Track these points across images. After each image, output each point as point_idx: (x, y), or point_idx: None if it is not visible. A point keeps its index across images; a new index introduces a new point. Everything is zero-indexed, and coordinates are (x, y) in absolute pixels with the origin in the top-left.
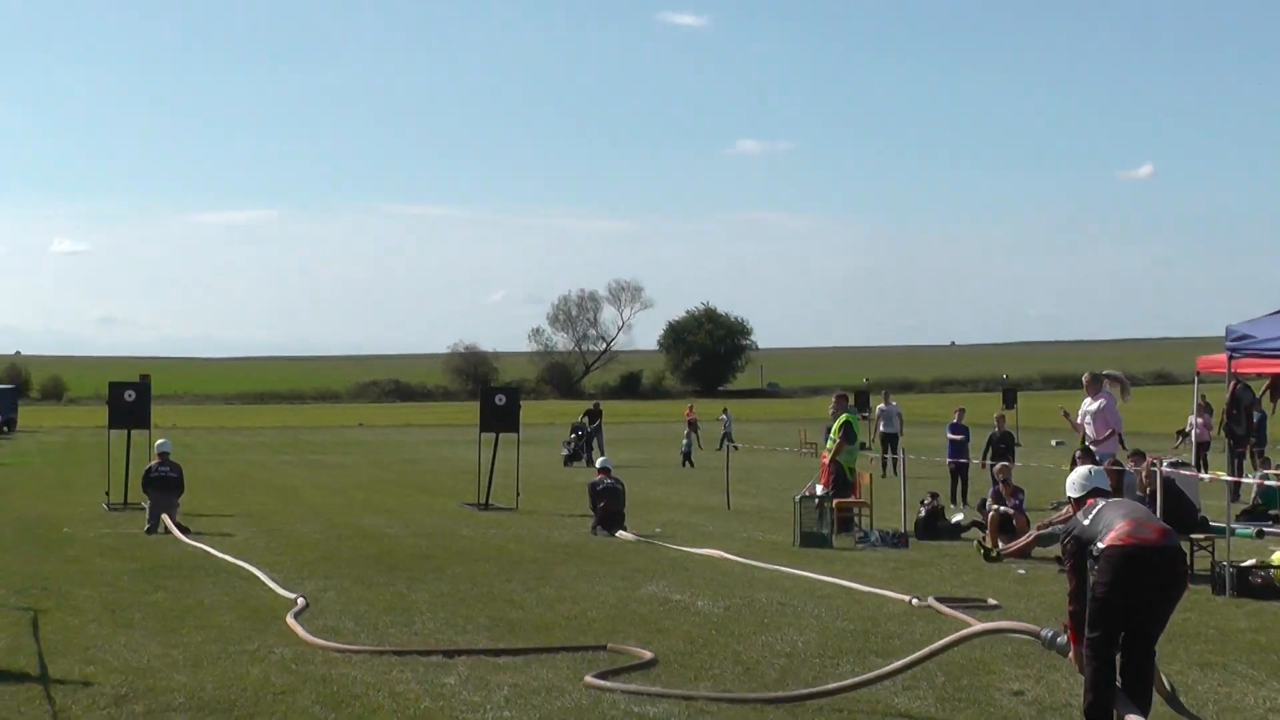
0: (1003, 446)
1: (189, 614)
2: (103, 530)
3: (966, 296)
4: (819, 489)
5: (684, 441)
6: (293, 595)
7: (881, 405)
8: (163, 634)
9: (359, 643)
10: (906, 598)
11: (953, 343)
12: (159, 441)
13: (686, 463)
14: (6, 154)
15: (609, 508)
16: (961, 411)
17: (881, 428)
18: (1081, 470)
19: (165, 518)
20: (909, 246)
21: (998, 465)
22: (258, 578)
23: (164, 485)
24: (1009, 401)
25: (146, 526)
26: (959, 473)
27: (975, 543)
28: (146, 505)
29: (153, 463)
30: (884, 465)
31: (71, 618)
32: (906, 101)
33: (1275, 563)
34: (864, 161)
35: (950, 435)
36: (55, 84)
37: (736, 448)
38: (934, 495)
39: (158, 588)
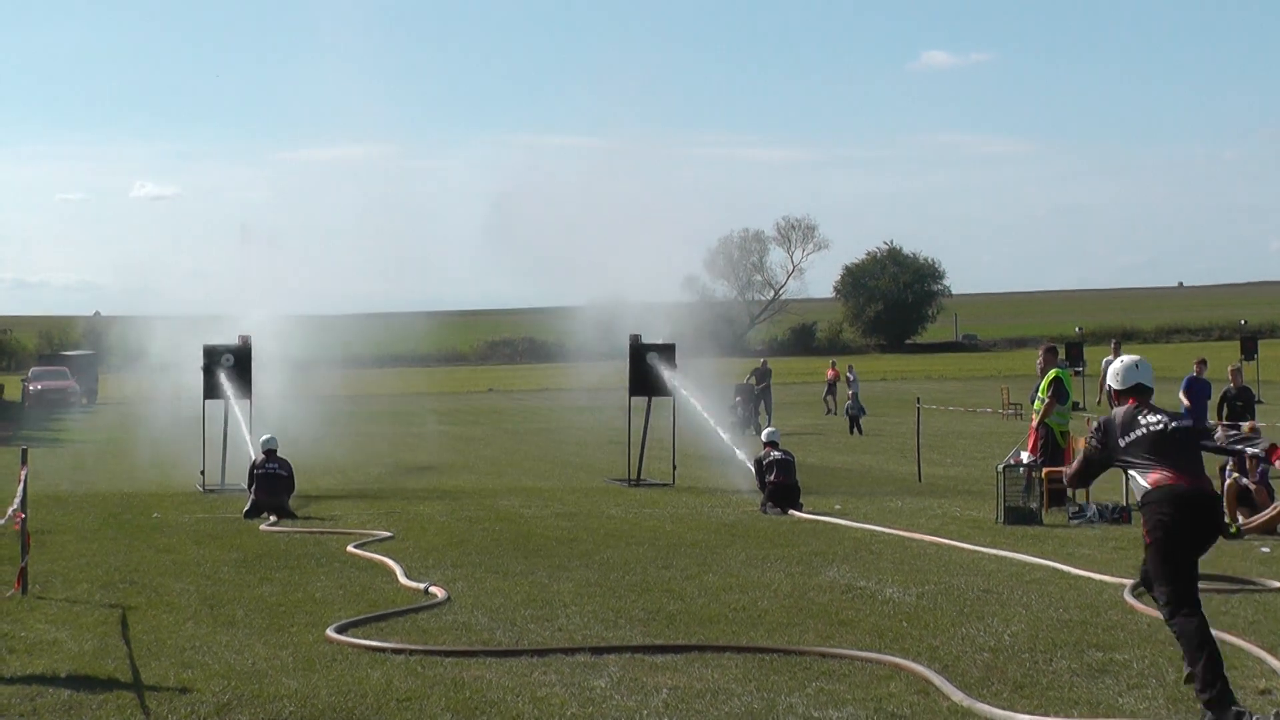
0: (1239, 404)
1: (299, 609)
2: (198, 515)
3: (1196, 229)
4: (1026, 457)
5: (848, 404)
6: (421, 585)
7: (1109, 358)
8: (269, 633)
9: (495, 641)
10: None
11: (1180, 284)
12: (265, 437)
13: (855, 429)
14: (79, 85)
15: (781, 481)
16: (1202, 364)
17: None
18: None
19: (274, 519)
20: (1128, 172)
21: (1244, 427)
22: (378, 567)
23: (272, 484)
24: (1248, 351)
25: (246, 509)
26: None
27: None
28: (250, 499)
29: (258, 459)
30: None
31: (165, 615)
32: (1124, 3)
33: None
34: (1073, 74)
35: (1183, 396)
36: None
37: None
38: None
39: (263, 580)
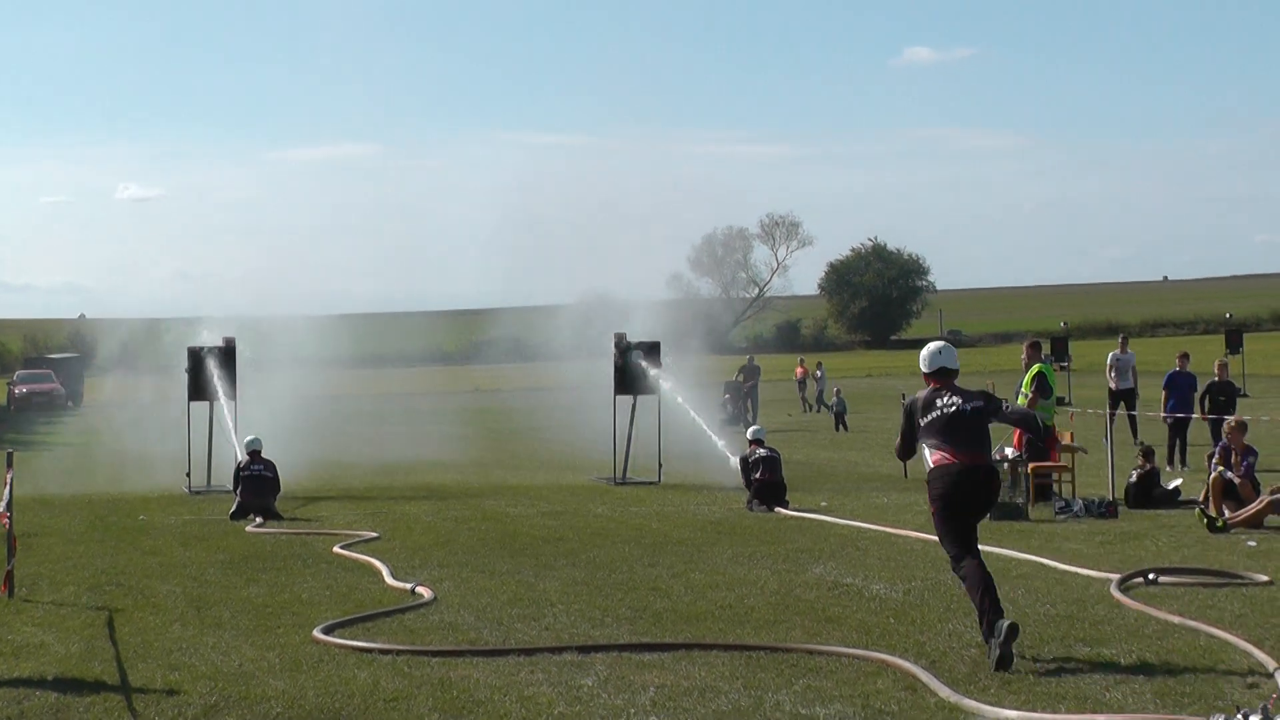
0: (1222, 399)
1: (286, 610)
2: (185, 516)
3: (1181, 223)
4: (1011, 452)
5: (833, 401)
6: (407, 585)
7: (1116, 353)
8: (256, 634)
9: (482, 640)
10: (1146, 576)
11: (1165, 278)
12: (248, 439)
13: (840, 426)
14: (64, 86)
15: (766, 478)
16: (1185, 358)
17: (1114, 382)
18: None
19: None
20: (1113, 166)
21: (1231, 421)
22: (365, 567)
23: (258, 485)
24: (1233, 345)
25: (232, 510)
26: (1178, 430)
27: (1197, 511)
28: (236, 501)
29: (242, 460)
30: (1108, 426)
31: (152, 617)
32: None
33: None
34: (1056, 68)
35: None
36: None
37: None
38: (1147, 453)
39: (249, 581)
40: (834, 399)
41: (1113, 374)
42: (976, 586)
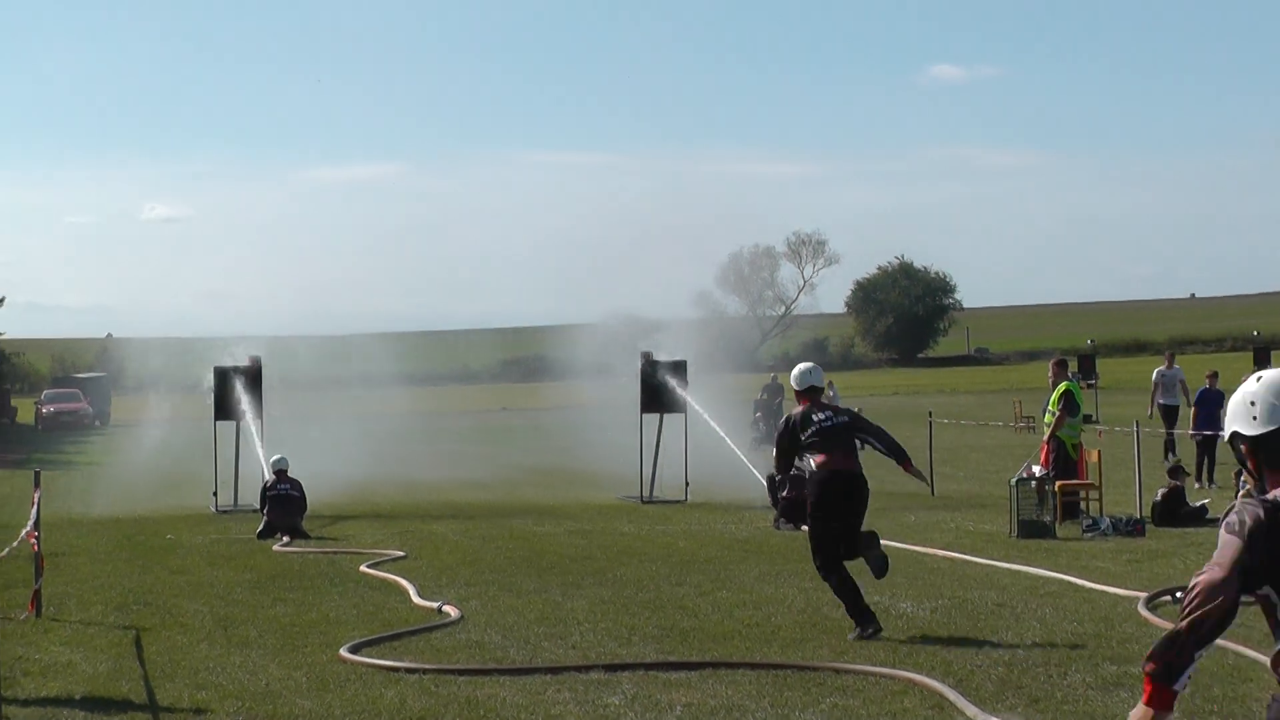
0: None
1: (313, 629)
2: (212, 536)
3: (1208, 240)
4: (1038, 470)
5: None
6: (434, 604)
7: (1162, 368)
8: (283, 653)
9: (509, 659)
10: (1173, 594)
11: (1193, 295)
12: (275, 458)
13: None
14: (90, 107)
15: (794, 496)
16: (1214, 376)
17: (1160, 398)
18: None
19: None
20: (1139, 183)
21: None
22: (392, 586)
23: (285, 505)
24: (1261, 362)
25: (259, 529)
26: (1206, 447)
27: None
28: (263, 520)
29: (269, 480)
30: (1167, 450)
31: (179, 636)
32: (1132, 13)
33: None
34: (1082, 86)
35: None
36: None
37: None
38: (1175, 471)
39: (276, 600)
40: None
41: (1158, 391)
42: (846, 594)
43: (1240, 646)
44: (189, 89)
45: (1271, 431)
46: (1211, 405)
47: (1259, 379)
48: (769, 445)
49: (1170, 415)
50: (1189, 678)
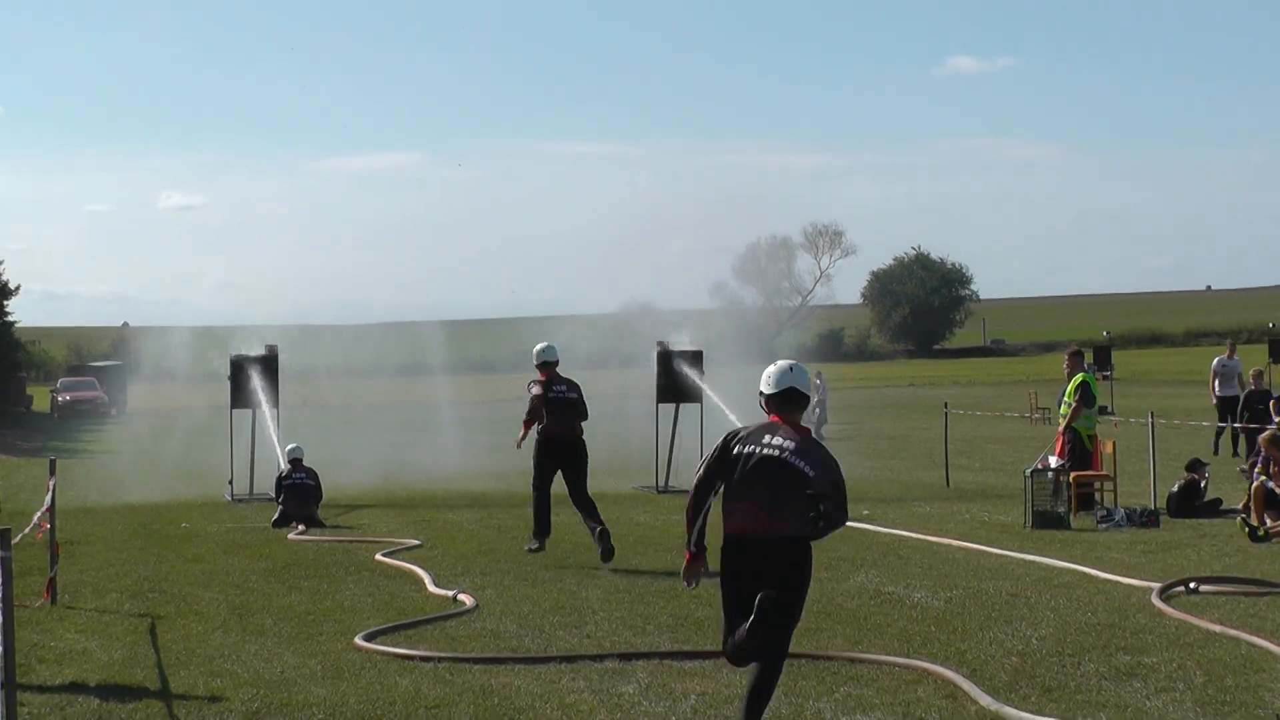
0: (1260, 408)
1: (328, 618)
2: (227, 524)
3: (1224, 232)
4: (1053, 461)
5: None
6: (450, 593)
7: (1222, 358)
8: (298, 641)
9: (524, 647)
10: (1187, 584)
11: (1209, 287)
12: (290, 447)
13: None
14: (106, 95)
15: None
16: (1259, 375)
17: (1220, 389)
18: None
19: (302, 529)
20: (1155, 175)
21: (1264, 436)
22: (407, 575)
23: (300, 494)
24: (1276, 354)
25: (274, 518)
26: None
27: (1239, 520)
28: (278, 509)
29: (284, 469)
30: (1218, 441)
31: (194, 624)
32: (1149, 4)
33: None
34: (1099, 78)
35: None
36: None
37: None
38: (1194, 465)
39: (292, 589)
40: (817, 411)
41: (1217, 381)
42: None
43: (1253, 637)
44: (204, 78)
45: None
46: (1254, 402)
47: None
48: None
49: (1229, 407)
50: None
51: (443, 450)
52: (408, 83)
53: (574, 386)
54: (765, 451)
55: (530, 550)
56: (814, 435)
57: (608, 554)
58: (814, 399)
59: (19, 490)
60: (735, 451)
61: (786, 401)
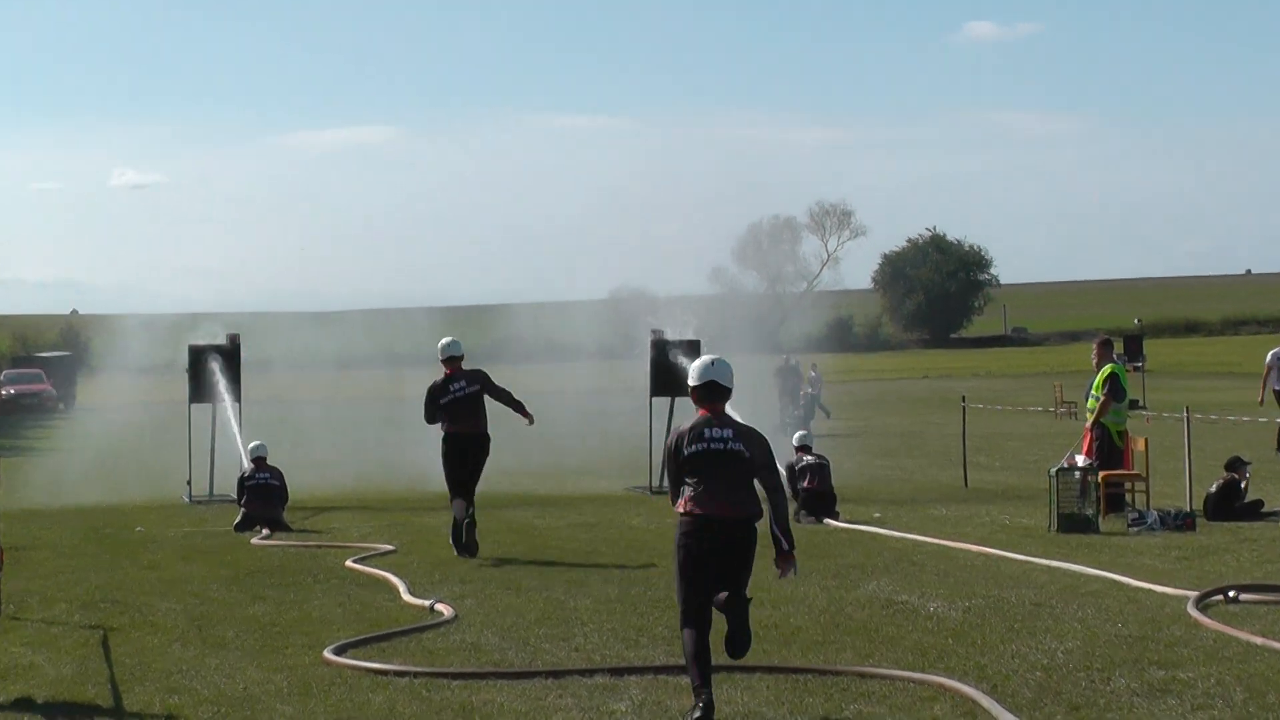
0: None
1: (295, 630)
2: (185, 528)
3: (1265, 213)
4: (1080, 459)
5: (800, 403)
6: (426, 602)
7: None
8: (263, 655)
9: (507, 661)
10: (1226, 593)
11: (1249, 271)
12: (253, 445)
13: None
14: (54, 64)
15: (815, 487)
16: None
17: (1275, 383)
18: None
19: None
20: (1190, 152)
21: None
22: (380, 583)
23: (264, 495)
24: None
25: (236, 521)
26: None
27: None
28: (240, 511)
29: (246, 469)
30: (1185, 431)
31: (150, 637)
32: None
33: None
34: (1129, 46)
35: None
36: None
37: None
38: (1234, 464)
39: (255, 598)
40: (803, 402)
41: (1272, 375)
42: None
43: None
44: (161, 43)
45: None
46: None
47: None
48: (791, 428)
49: None
50: None
51: (417, 446)
52: (382, 49)
53: (475, 378)
54: (712, 446)
55: (456, 531)
56: (807, 429)
57: (470, 548)
58: (806, 391)
59: None
60: (685, 453)
61: (710, 393)
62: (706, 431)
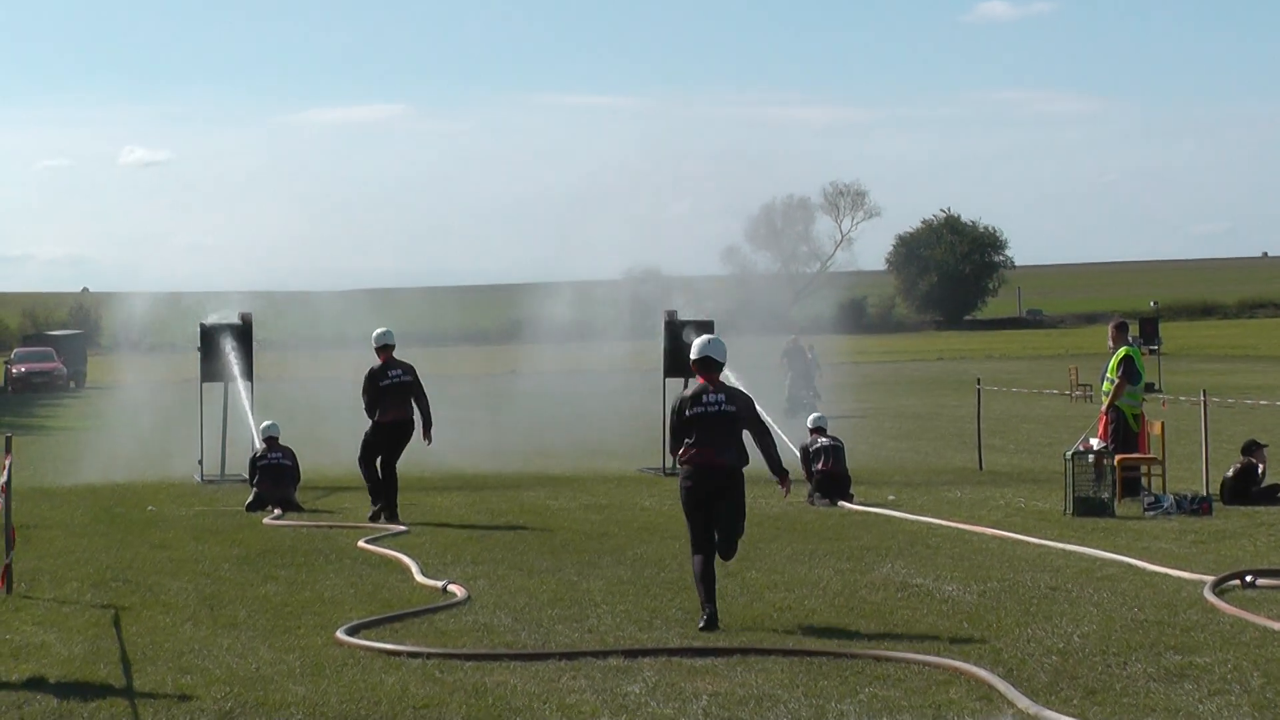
0: None
1: (307, 610)
2: (196, 508)
3: None
4: (1096, 443)
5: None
6: (438, 583)
7: None
8: (274, 635)
9: (519, 643)
10: (1243, 578)
11: (1265, 254)
12: (265, 425)
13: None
14: (63, 41)
15: (829, 469)
16: None
17: None
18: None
19: (278, 513)
20: (1206, 132)
21: None
22: (392, 564)
23: (276, 475)
24: None
25: (248, 501)
26: None
27: None
28: (252, 491)
29: (259, 449)
30: (1203, 415)
31: (162, 616)
32: None
33: None
34: (1144, 24)
35: None
36: None
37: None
38: (1251, 448)
39: (267, 578)
40: (797, 380)
41: None
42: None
43: None
44: (170, 22)
45: None
46: None
47: None
48: (801, 412)
49: None
50: None
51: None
52: (389, 27)
53: (409, 370)
54: (709, 410)
55: (372, 517)
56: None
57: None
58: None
59: None
60: (687, 414)
61: (706, 366)
62: (704, 397)
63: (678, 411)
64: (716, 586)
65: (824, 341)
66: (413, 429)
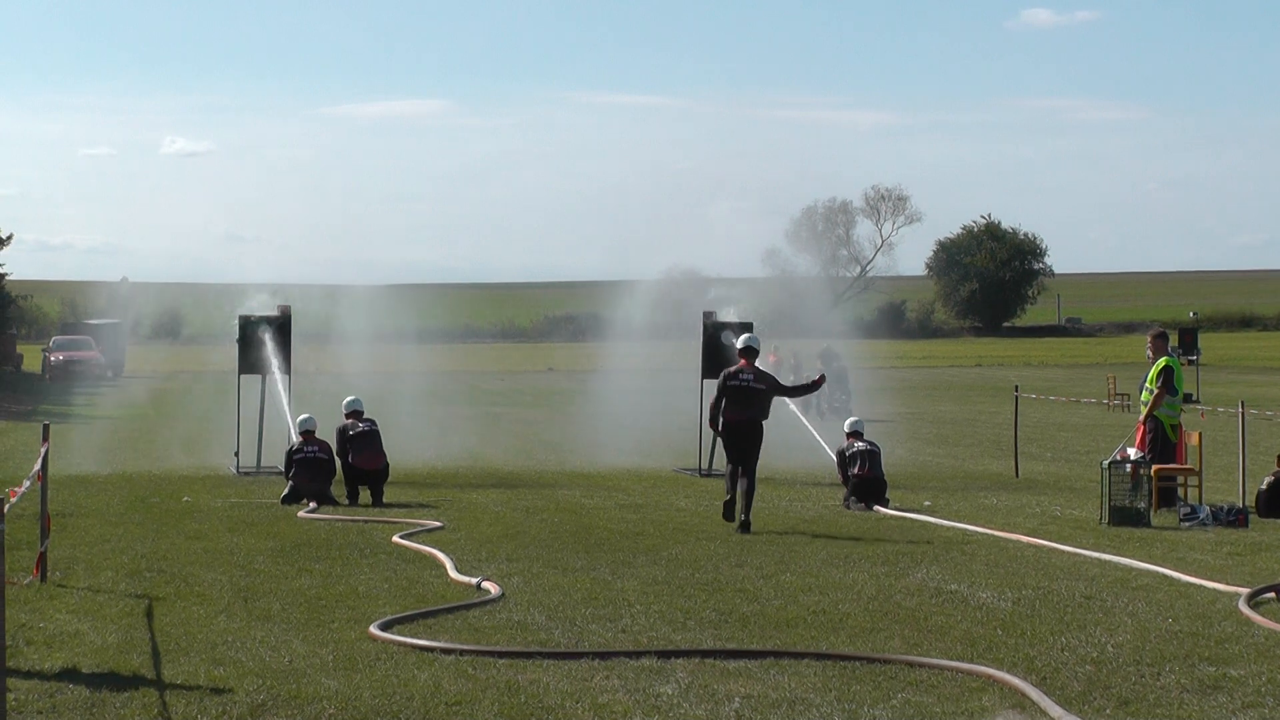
0: None
1: (340, 604)
2: (232, 499)
3: None
4: (1133, 452)
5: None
6: (473, 580)
7: None
8: (308, 628)
9: (553, 641)
10: (1278, 591)
11: None
12: (303, 418)
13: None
14: (106, 28)
15: (865, 474)
16: None
17: None
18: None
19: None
20: (1248, 142)
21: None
22: (427, 559)
23: (312, 469)
24: None
25: (284, 494)
26: None
27: None
28: (288, 484)
29: (295, 442)
30: (1240, 426)
31: (195, 607)
32: None
33: None
34: (1187, 33)
35: None
36: None
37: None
38: None
39: (301, 571)
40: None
41: None
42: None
43: None
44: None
45: None
46: None
47: None
48: (836, 417)
49: None
50: None
51: (465, 423)
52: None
53: (372, 424)
54: (743, 383)
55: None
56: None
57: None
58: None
59: (7, 457)
60: (730, 385)
61: (747, 353)
62: (741, 375)
63: (724, 381)
64: (750, 579)
65: (860, 347)
66: (386, 472)
